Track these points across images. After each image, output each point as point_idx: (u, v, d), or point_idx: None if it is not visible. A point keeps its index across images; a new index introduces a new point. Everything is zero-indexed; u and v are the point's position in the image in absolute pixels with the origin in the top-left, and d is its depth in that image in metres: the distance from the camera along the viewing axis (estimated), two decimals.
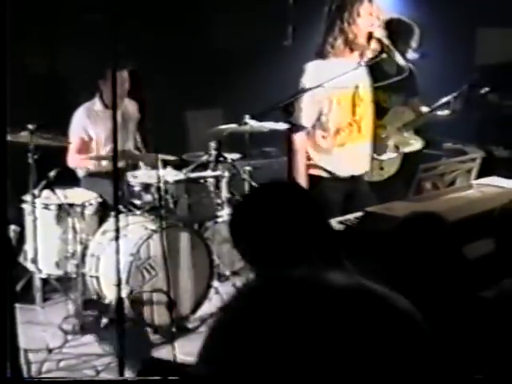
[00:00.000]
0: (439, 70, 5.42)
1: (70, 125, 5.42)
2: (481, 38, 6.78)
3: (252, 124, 4.30)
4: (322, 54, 4.06)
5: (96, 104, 5.47)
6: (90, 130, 5.44)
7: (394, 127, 4.53)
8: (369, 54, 4.07)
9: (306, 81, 4.01)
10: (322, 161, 4.11)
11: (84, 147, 5.41)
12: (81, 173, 5.45)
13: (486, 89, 4.42)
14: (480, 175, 4.20)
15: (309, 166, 4.09)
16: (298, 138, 3.99)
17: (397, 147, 4.44)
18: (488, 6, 6.11)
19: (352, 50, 4.06)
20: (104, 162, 5.29)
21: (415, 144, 4.54)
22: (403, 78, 4.27)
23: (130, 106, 5.66)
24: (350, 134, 4.12)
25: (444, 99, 4.49)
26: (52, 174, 4.81)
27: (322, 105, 4.04)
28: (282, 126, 3.98)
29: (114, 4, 3.48)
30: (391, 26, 4.29)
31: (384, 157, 4.45)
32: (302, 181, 3.97)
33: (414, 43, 4.44)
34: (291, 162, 3.82)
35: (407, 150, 4.49)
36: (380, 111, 4.39)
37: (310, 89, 3.89)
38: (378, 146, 4.38)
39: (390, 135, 4.52)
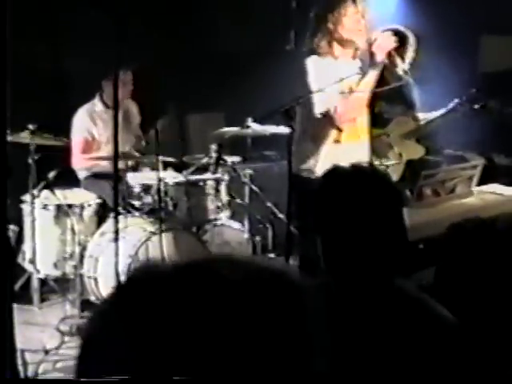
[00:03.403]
0: (441, 79, 5.42)
1: (72, 127, 5.39)
2: (483, 45, 6.78)
3: (254, 127, 4.29)
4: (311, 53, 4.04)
5: (97, 105, 5.45)
6: (93, 130, 5.41)
7: (397, 135, 4.53)
8: (360, 55, 4.07)
9: (311, 77, 3.98)
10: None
11: (88, 147, 5.37)
12: (82, 174, 5.41)
13: (477, 105, 4.44)
14: (481, 182, 4.20)
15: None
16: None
17: (400, 155, 4.44)
18: (492, 14, 6.11)
19: (343, 48, 4.05)
20: (105, 163, 5.25)
21: (417, 152, 4.54)
22: (403, 89, 4.25)
23: (131, 107, 5.65)
24: (345, 132, 4.10)
25: (440, 111, 4.49)
26: (51, 174, 4.80)
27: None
28: (283, 129, 3.97)
29: (117, 5, 3.48)
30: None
31: (386, 162, 4.44)
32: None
33: (410, 53, 4.41)
34: (291, 165, 3.80)
35: (410, 157, 4.49)
36: (382, 121, 4.39)
37: (310, 93, 3.87)
38: (379, 150, 4.37)
39: (394, 143, 4.52)
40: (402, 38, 4.28)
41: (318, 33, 4.00)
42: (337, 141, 4.08)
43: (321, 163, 4.07)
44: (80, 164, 5.37)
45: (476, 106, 4.44)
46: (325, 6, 4.02)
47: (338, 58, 4.05)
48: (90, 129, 5.40)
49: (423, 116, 4.66)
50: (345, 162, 4.03)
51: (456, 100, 4.45)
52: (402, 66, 4.21)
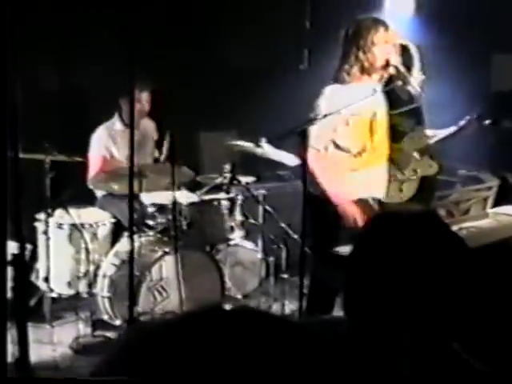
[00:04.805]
0: (452, 96, 5.42)
1: (91, 144, 5.38)
2: (496, 63, 6.78)
3: (265, 149, 4.29)
4: (338, 79, 4.06)
5: (116, 124, 5.44)
6: (111, 148, 5.40)
7: (411, 150, 4.51)
8: (385, 80, 4.08)
9: (321, 103, 4.00)
10: (334, 184, 4.08)
11: (107, 166, 5.33)
12: (99, 192, 5.40)
13: (488, 121, 4.39)
14: (496, 204, 4.17)
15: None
16: (310, 160, 3.94)
17: (415, 170, 4.41)
18: (504, 33, 6.11)
19: (370, 76, 4.07)
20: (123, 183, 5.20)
21: (432, 168, 4.50)
22: (414, 105, 4.25)
23: (148, 126, 5.65)
24: (365, 158, 4.10)
25: (451, 129, 4.47)
26: (66, 193, 4.81)
27: (336, 128, 4.02)
28: (292, 159, 3.96)
29: (132, 24, 3.51)
30: (404, 51, 4.26)
31: (403, 176, 4.38)
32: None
33: (415, 68, 4.38)
34: (306, 185, 3.80)
35: (424, 173, 4.45)
36: (396, 135, 4.37)
37: (328, 115, 3.88)
38: (399, 163, 4.34)
39: (408, 158, 4.50)
40: (406, 51, 4.28)
41: (348, 59, 4.00)
42: (354, 169, 4.08)
43: (338, 190, 4.06)
44: (97, 182, 5.32)
45: (486, 122, 4.39)
46: (355, 33, 4.02)
47: (362, 83, 4.05)
48: (109, 147, 5.38)
49: (433, 132, 4.63)
50: (363, 189, 4.04)
51: (467, 117, 4.42)
52: (413, 81, 4.20)
